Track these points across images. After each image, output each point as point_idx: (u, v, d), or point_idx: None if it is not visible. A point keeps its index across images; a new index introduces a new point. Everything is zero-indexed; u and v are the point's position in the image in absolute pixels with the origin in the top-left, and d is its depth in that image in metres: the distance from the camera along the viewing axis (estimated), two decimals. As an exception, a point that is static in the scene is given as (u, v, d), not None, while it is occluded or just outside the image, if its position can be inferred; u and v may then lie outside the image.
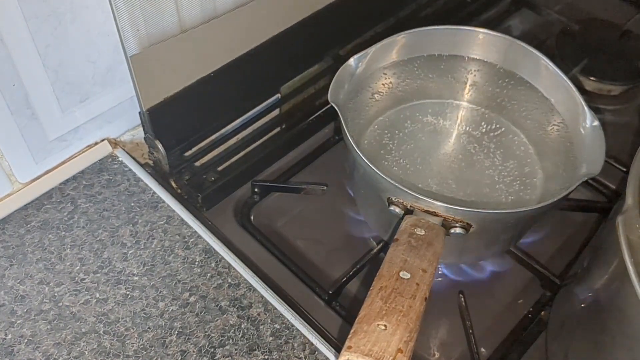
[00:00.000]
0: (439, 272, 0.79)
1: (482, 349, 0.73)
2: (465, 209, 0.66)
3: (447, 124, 0.87)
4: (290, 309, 0.70)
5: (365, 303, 0.53)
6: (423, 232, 0.61)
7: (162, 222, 0.75)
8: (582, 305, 0.62)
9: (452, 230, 0.68)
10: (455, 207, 0.66)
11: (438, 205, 0.66)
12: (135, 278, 0.70)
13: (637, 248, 0.48)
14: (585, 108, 0.75)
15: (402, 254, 0.57)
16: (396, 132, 0.85)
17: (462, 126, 0.87)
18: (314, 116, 0.92)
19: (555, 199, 0.67)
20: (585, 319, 0.60)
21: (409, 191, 0.66)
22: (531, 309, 0.76)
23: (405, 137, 0.85)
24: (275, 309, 0.69)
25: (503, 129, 0.86)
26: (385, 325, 0.51)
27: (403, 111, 0.87)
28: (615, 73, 1.02)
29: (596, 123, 0.74)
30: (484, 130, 0.86)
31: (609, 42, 1.07)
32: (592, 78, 1.01)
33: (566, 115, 0.79)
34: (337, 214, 0.84)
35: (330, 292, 0.74)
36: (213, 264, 0.72)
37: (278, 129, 0.91)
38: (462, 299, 0.75)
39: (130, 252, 0.72)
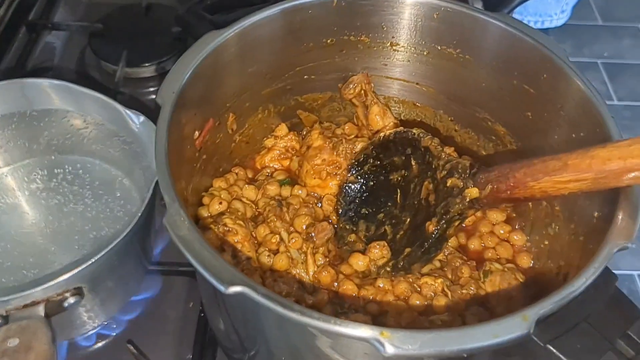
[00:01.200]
0: (99, 335, 0.72)
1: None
2: (58, 280, 0.60)
3: (13, 194, 0.77)
4: None
5: None
6: (17, 341, 0.53)
7: None
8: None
9: (66, 304, 0.62)
10: (47, 285, 0.59)
11: (28, 295, 0.59)
12: None
13: (189, 241, 0.48)
14: (124, 110, 0.73)
15: (-3, 385, 0.49)
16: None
17: (31, 186, 0.78)
18: None
19: (139, 215, 0.64)
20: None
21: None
22: (201, 307, 0.75)
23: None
24: None
25: (78, 165, 0.80)
26: None
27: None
28: (160, 48, 1.02)
29: (142, 118, 0.73)
30: (59, 177, 0.79)
31: (139, 24, 1.07)
32: (143, 65, 1.00)
33: (118, 124, 0.76)
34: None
35: None
36: None
37: None
38: (132, 347, 0.71)
39: None
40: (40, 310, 0.59)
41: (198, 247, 0.48)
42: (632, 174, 0.46)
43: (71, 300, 0.62)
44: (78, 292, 0.63)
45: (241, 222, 0.65)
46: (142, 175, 0.75)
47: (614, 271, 0.52)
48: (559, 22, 2.27)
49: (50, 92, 0.76)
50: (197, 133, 0.64)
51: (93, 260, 0.61)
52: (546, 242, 0.68)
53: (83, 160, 0.80)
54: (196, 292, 0.76)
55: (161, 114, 0.57)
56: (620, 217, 0.52)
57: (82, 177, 0.79)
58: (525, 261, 0.69)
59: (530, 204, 0.70)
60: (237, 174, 0.73)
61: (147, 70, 0.99)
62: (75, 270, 0.60)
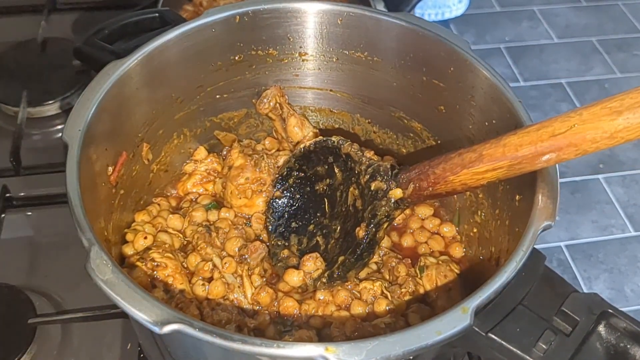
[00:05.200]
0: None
1: None
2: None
3: None
4: None
5: None
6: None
7: None
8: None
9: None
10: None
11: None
12: None
13: (115, 284, 0.45)
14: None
15: None
16: None
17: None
18: None
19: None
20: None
21: None
22: (139, 348, 0.71)
23: None
24: None
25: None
26: None
27: None
28: (63, 84, 0.97)
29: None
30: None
31: (36, 61, 1.02)
32: (47, 103, 0.95)
33: None
34: None
35: None
36: None
37: None
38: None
39: None
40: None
41: (125, 290, 0.46)
42: (545, 157, 0.47)
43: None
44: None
45: (170, 255, 0.63)
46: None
47: (541, 245, 0.54)
48: (458, 12, 2.36)
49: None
50: (110, 168, 0.61)
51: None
52: (475, 230, 0.69)
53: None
54: (133, 333, 0.73)
55: (69, 154, 0.55)
56: (540, 198, 0.54)
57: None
58: (458, 251, 0.71)
59: (455, 195, 0.71)
60: (159, 204, 0.70)
61: (52, 108, 0.94)
62: None
